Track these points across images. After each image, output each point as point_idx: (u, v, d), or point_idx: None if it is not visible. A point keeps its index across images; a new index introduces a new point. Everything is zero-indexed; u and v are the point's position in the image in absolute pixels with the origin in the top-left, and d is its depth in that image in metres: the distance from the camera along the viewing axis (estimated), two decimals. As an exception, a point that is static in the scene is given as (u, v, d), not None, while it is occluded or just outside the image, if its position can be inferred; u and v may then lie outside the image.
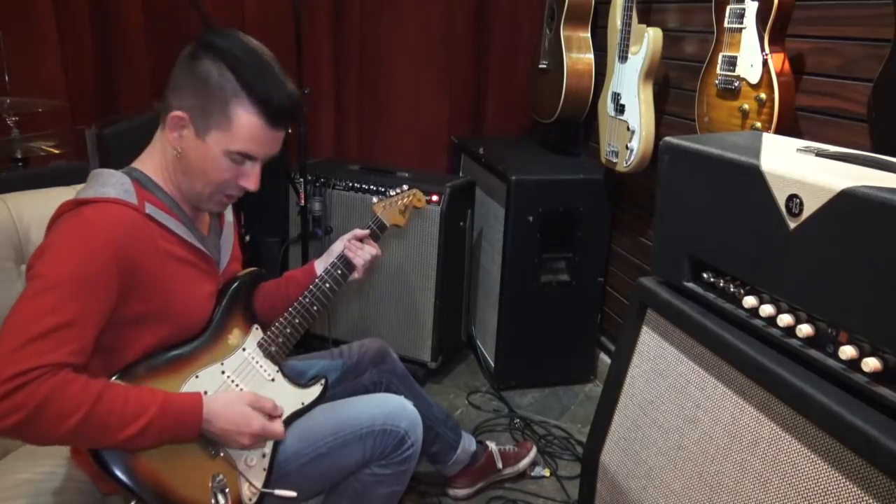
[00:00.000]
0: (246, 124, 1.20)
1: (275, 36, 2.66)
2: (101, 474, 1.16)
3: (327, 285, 1.49)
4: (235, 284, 1.38)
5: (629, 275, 2.58)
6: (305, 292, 1.46)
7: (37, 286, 1.10)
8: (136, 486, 1.16)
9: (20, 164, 2.14)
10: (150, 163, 1.29)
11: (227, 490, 1.23)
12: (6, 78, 2.21)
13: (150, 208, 1.22)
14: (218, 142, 1.21)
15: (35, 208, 1.50)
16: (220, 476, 1.24)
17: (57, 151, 2.18)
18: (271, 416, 1.29)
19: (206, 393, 1.26)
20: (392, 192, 1.72)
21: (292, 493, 1.30)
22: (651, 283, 1.41)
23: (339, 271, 1.52)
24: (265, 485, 1.29)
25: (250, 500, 1.27)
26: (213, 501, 1.21)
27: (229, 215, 1.48)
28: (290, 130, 2.23)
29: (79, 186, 1.58)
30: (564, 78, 2.55)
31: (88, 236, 1.14)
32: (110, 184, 1.21)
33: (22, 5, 2.30)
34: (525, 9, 3.06)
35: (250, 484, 1.27)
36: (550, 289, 2.56)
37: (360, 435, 1.42)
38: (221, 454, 1.26)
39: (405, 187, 1.74)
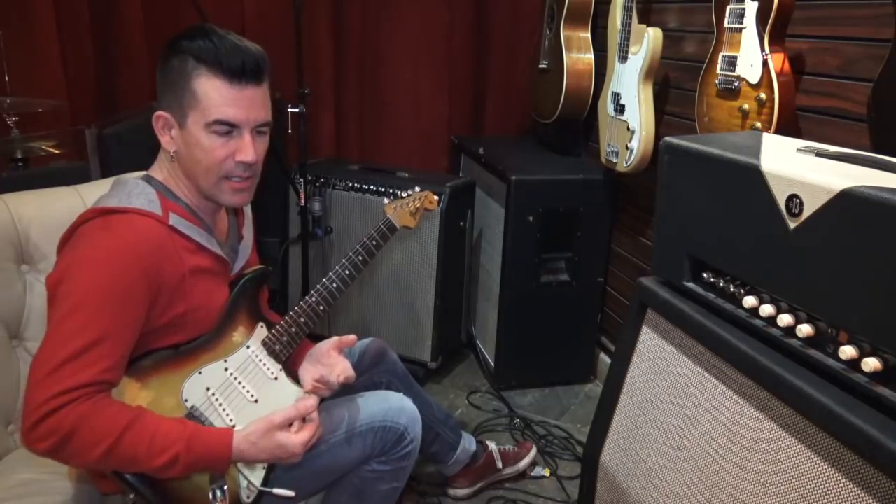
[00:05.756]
0: (209, 89, 1.20)
1: (275, 36, 2.66)
2: (100, 473, 1.17)
3: (334, 285, 1.49)
4: (241, 283, 1.38)
5: (629, 275, 2.58)
6: (312, 292, 1.46)
7: (65, 307, 1.11)
8: (136, 481, 1.16)
9: (20, 164, 2.14)
10: (160, 173, 1.30)
11: (225, 488, 1.23)
12: (6, 78, 2.21)
13: (173, 218, 1.24)
14: (196, 121, 1.21)
15: (35, 208, 1.50)
16: (219, 474, 1.24)
17: (57, 151, 2.17)
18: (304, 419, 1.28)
19: (208, 389, 1.26)
20: (403, 194, 1.71)
21: (290, 493, 1.30)
22: (651, 283, 1.41)
23: (347, 272, 1.51)
24: (264, 483, 1.29)
25: (248, 498, 1.27)
26: (210, 499, 1.21)
27: (249, 232, 1.49)
28: (295, 126, 2.26)
29: (79, 186, 1.60)
30: (564, 78, 2.55)
31: (116, 252, 1.15)
32: (135, 193, 1.23)
33: (22, 5, 2.29)
34: (525, 9, 3.06)
35: (249, 482, 1.27)
36: (550, 289, 2.56)
37: (359, 432, 1.42)
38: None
39: (417, 189, 1.73)
